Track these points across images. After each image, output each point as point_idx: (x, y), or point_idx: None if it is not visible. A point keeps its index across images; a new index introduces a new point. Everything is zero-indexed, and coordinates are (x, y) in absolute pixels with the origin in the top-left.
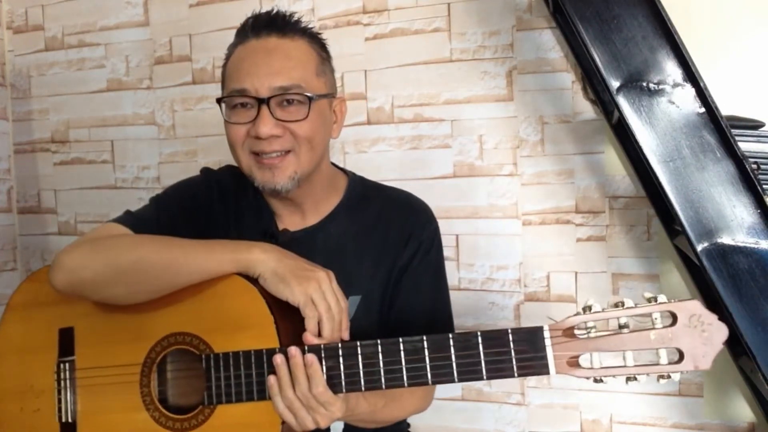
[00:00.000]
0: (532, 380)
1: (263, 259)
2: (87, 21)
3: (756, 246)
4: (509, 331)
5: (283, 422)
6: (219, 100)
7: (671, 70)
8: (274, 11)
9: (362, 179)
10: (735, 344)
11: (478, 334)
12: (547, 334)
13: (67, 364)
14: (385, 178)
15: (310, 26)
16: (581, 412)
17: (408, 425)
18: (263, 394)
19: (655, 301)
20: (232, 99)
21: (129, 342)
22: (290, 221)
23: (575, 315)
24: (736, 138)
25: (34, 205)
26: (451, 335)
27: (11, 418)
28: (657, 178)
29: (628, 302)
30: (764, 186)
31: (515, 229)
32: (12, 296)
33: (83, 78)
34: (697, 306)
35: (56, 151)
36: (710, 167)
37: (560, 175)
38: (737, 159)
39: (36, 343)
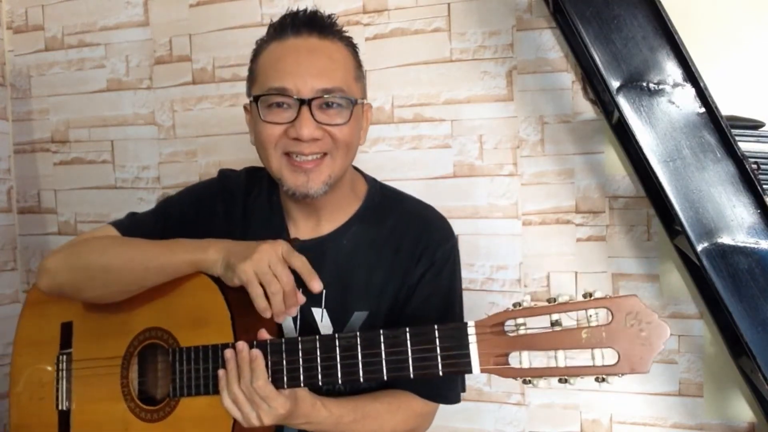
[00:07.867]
0: None
1: (215, 259)
2: (87, 21)
3: (756, 246)
4: (436, 327)
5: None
6: (256, 99)
7: (671, 70)
8: (313, 11)
9: (383, 187)
10: (735, 344)
11: (407, 330)
12: (472, 330)
13: (65, 356)
14: (385, 178)
15: (345, 31)
16: (581, 412)
17: None
18: (217, 388)
19: (591, 296)
20: (270, 98)
21: (114, 336)
22: (304, 227)
23: (504, 311)
24: (736, 138)
25: (34, 205)
26: (382, 331)
27: (22, 406)
28: (657, 178)
29: (563, 298)
30: (764, 186)
31: (515, 229)
32: (29, 293)
33: (83, 78)
34: (635, 303)
35: (56, 151)
36: (710, 167)
37: (560, 175)
38: (737, 159)
39: (44, 336)
